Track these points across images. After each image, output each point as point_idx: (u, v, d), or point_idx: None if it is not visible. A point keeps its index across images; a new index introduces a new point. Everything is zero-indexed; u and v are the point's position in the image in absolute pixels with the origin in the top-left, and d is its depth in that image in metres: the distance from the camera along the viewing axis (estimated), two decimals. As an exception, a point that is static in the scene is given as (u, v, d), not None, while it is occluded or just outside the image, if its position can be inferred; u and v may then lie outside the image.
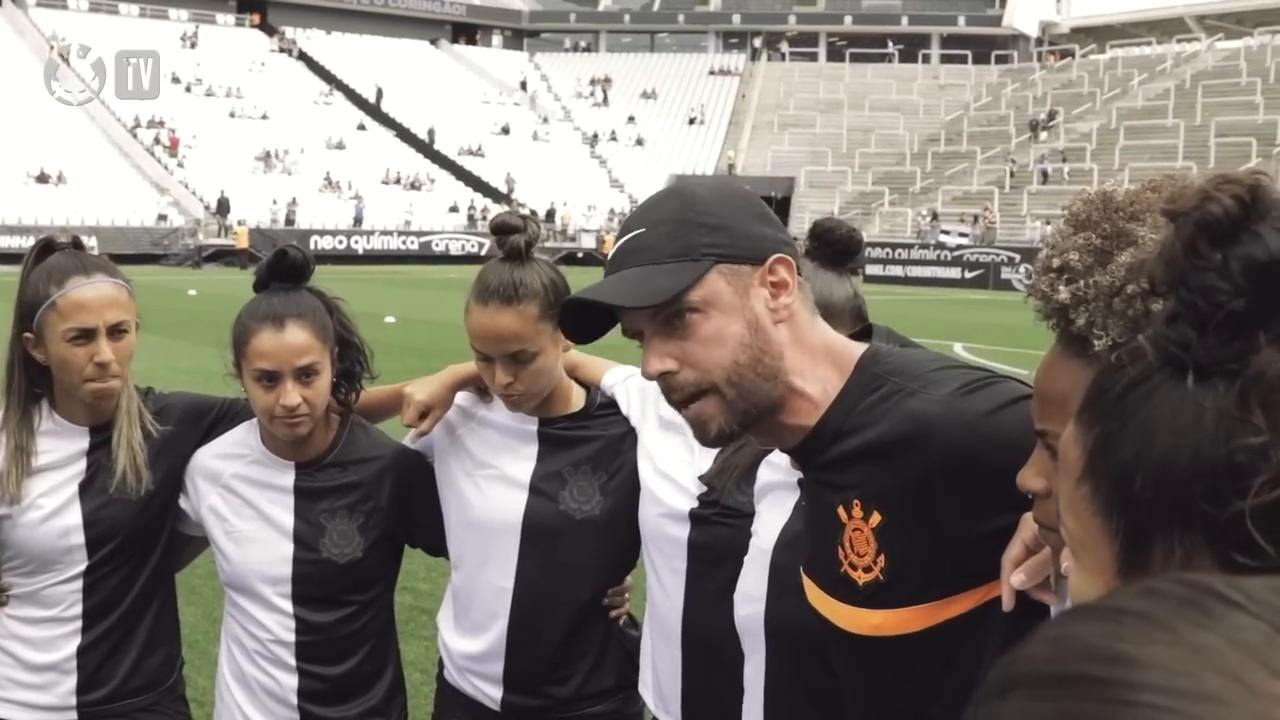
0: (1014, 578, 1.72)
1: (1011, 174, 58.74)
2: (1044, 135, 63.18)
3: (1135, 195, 1.41)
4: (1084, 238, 1.40)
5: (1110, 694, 0.62)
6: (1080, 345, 1.38)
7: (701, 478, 2.82)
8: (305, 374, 2.92)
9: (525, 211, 3.06)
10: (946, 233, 52.00)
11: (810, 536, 2.04)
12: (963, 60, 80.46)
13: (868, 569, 1.87)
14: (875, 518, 1.85)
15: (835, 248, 2.72)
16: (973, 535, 1.78)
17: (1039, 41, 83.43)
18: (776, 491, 2.48)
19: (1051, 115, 64.87)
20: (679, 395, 1.86)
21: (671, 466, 2.89)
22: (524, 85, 78.66)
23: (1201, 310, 0.92)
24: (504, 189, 63.08)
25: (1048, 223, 49.54)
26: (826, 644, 2.01)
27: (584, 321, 1.91)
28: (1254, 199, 0.93)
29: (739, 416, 1.86)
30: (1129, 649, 0.64)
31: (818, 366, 1.89)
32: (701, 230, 1.83)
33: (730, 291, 1.83)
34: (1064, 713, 0.63)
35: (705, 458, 2.84)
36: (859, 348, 1.95)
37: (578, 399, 3.10)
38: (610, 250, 1.91)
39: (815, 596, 2.01)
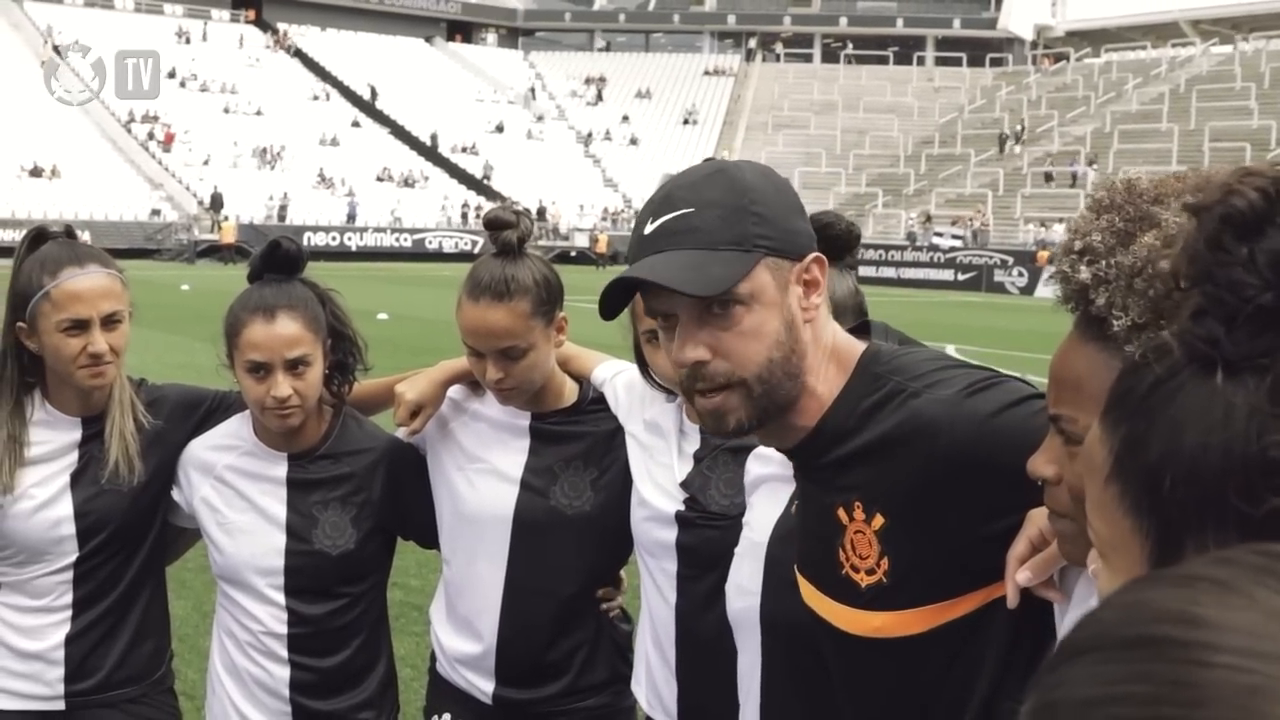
0: (1019, 575, 1.70)
1: (1074, 176, 58.12)
2: (1017, 149, 63.00)
3: (1159, 182, 1.42)
4: (1107, 219, 1.40)
5: (1187, 655, 0.61)
6: (1099, 327, 1.39)
7: (683, 484, 2.81)
8: (296, 365, 2.91)
9: (518, 207, 3.04)
10: (939, 235, 52.03)
11: (805, 537, 2.01)
12: (957, 63, 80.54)
13: (870, 571, 1.84)
14: (878, 520, 1.82)
15: (834, 242, 2.65)
16: (978, 536, 1.76)
17: (1034, 45, 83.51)
18: (770, 484, 2.45)
19: (1021, 128, 64.67)
20: (706, 385, 1.81)
21: (657, 470, 2.88)
22: (532, 92, 78.42)
23: (1229, 305, 0.90)
24: (497, 187, 62.97)
25: (1042, 224, 49.63)
26: (821, 643, 1.99)
27: (610, 296, 1.83)
28: (1278, 192, 0.92)
29: (759, 413, 1.83)
30: (1205, 612, 0.62)
31: (827, 366, 1.87)
32: (755, 220, 1.78)
33: (774, 286, 1.79)
34: (1138, 674, 0.61)
35: (687, 461, 2.83)
36: (859, 346, 1.92)
37: (570, 393, 3.10)
38: (644, 224, 1.84)
39: (812, 596, 1.98)
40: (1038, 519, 1.69)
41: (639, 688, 2.99)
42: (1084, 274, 1.39)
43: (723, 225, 1.78)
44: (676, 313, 1.80)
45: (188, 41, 72.38)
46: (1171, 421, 0.93)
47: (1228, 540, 0.88)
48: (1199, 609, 0.63)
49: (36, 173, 52.82)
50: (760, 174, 1.87)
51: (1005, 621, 1.76)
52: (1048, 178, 58.40)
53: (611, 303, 1.84)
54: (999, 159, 62.43)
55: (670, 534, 2.81)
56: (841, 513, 1.87)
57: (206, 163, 57.82)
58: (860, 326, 2.02)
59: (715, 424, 1.85)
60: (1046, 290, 42.20)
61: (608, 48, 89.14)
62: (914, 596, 1.82)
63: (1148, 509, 0.94)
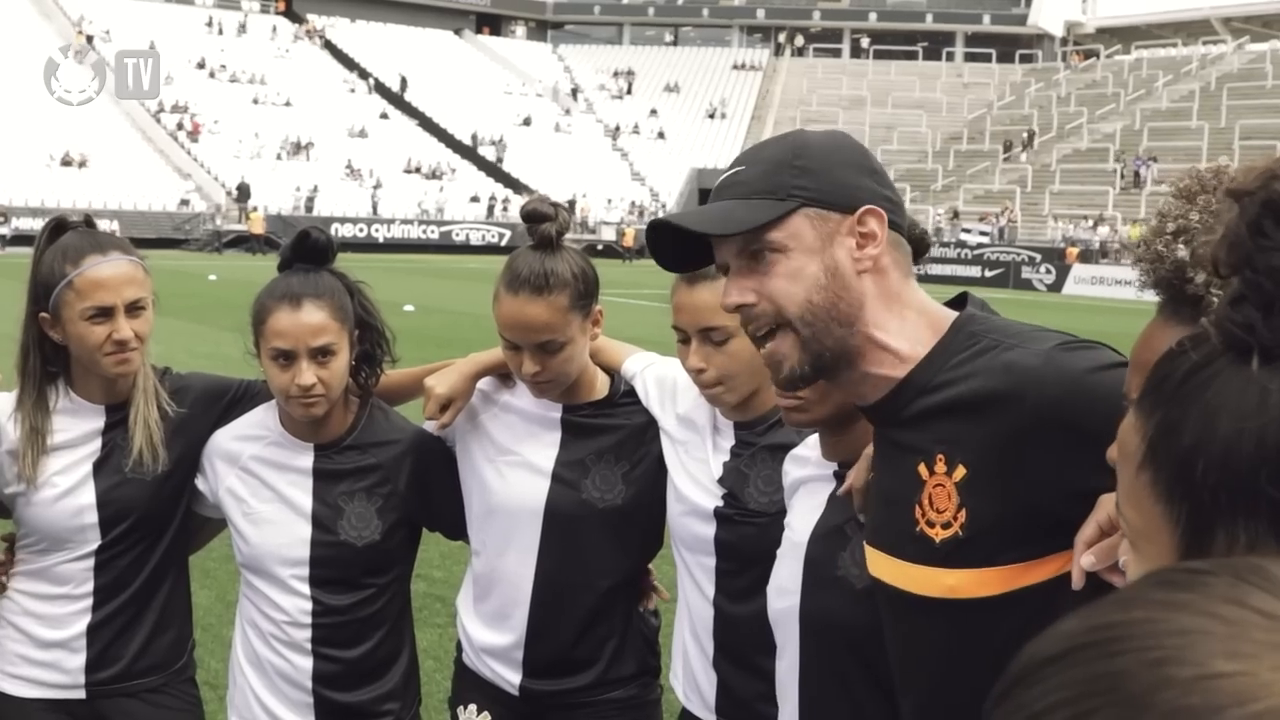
0: (1084, 559, 1.68)
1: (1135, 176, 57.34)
2: (1023, 156, 62.49)
3: (1247, 169, 1.41)
4: (1203, 201, 1.39)
5: (1099, 652, 0.61)
6: (1192, 308, 1.35)
7: (720, 480, 2.80)
8: (321, 354, 2.90)
9: (555, 200, 3.03)
10: (967, 231, 51.85)
11: (881, 504, 2.00)
12: (987, 59, 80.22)
13: (946, 525, 1.84)
14: (960, 471, 1.83)
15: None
16: (1061, 494, 1.75)
17: (1064, 41, 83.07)
18: (809, 485, 2.46)
19: (1030, 135, 64.08)
20: (755, 327, 1.90)
21: (693, 465, 2.88)
22: (573, 92, 78.39)
23: (1268, 291, 0.89)
24: (525, 180, 63.00)
25: (1071, 222, 49.38)
26: (888, 610, 1.97)
27: (679, 252, 1.97)
28: None
29: (812, 358, 1.88)
30: (1121, 617, 0.62)
31: (906, 323, 1.90)
32: (794, 172, 1.86)
33: (813, 235, 1.85)
34: (1061, 684, 0.61)
35: (722, 456, 2.82)
36: (954, 312, 1.96)
37: (602, 386, 3.08)
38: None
39: (882, 566, 1.97)
40: (1108, 504, 1.66)
41: (676, 681, 2.98)
42: (1182, 252, 1.36)
43: (761, 178, 1.88)
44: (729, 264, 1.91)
45: (219, 32, 72.61)
46: (1206, 408, 0.91)
47: (1258, 529, 0.88)
48: (1117, 616, 0.61)
49: (67, 162, 53.07)
50: (828, 136, 1.96)
51: (1081, 597, 1.72)
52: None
53: (659, 250, 1.98)
54: (1015, 162, 62.06)
55: (709, 529, 2.80)
56: (922, 468, 1.88)
57: (235, 153, 57.97)
58: (958, 300, 2.03)
59: (774, 373, 1.93)
60: (1074, 287, 42.01)
61: (636, 41, 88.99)
62: (990, 553, 1.81)
63: (1180, 496, 0.92)
